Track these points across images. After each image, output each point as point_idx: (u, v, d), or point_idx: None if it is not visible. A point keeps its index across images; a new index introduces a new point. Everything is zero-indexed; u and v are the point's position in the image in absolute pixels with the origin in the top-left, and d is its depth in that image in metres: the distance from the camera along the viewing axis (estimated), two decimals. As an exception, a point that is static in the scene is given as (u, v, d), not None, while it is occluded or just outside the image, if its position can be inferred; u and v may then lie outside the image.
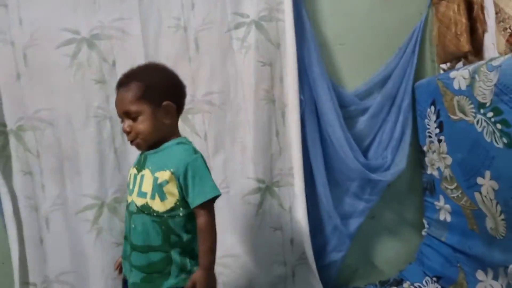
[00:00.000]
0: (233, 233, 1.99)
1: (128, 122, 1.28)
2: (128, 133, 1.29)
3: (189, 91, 1.92)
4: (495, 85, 1.52)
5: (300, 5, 2.02)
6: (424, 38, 2.19)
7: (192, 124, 1.96)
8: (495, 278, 1.71)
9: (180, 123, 1.92)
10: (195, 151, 1.30)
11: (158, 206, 1.25)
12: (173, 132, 1.35)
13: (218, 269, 1.94)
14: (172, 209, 1.26)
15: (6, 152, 1.92)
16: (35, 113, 1.91)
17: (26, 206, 1.93)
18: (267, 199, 2.02)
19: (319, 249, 2.10)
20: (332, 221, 2.09)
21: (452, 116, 1.85)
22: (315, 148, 2.06)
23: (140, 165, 1.33)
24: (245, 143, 1.98)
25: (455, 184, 1.89)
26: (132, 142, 1.31)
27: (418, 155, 2.20)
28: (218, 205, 1.95)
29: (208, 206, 1.27)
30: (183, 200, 1.26)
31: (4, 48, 1.89)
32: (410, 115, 2.15)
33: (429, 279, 2.04)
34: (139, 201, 1.28)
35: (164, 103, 1.29)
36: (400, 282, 2.13)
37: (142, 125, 1.27)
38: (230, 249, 1.99)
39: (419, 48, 2.15)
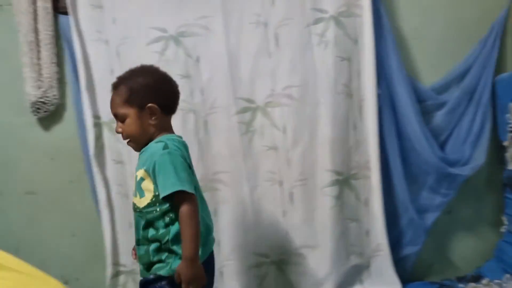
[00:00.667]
0: (310, 224, 2.05)
1: (119, 124, 1.38)
2: (121, 133, 1.38)
3: (268, 85, 2.02)
4: None
5: (378, 0, 2.04)
6: (505, 31, 2.14)
7: (272, 118, 2.02)
8: None
9: (259, 116, 2.02)
10: (166, 147, 1.30)
11: (139, 202, 1.34)
12: (161, 131, 1.38)
13: (295, 259, 2.03)
14: (148, 205, 1.31)
15: (99, 142, 2.07)
16: None
17: (117, 193, 2.08)
18: (345, 191, 2.05)
19: (394, 242, 2.12)
20: (408, 215, 2.11)
21: (537, 111, 1.82)
22: (391, 142, 2.08)
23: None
24: (323, 136, 2.02)
25: (540, 180, 1.85)
26: (127, 142, 1.40)
27: (497, 151, 2.16)
28: (295, 196, 2.05)
29: (185, 197, 1.27)
30: (159, 195, 1.29)
31: (100, 46, 2.04)
32: (489, 109, 2.12)
33: (510, 276, 2.00)
34: (132, 200, 1.40)
35: (148, 105, 1.34)
36: (478, 278, 2.10)
37: (130, 128, 1.35)
38: (308, 240, 2.05)
39: (500, 42, 2.11)
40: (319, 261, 2.04)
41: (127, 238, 2.08)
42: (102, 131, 2.07)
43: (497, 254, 2.14)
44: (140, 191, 1.33)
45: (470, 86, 2.11)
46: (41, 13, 2.05)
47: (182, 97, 1.97)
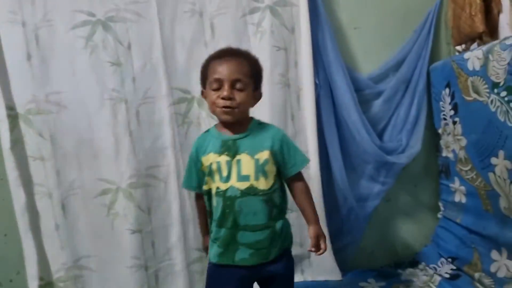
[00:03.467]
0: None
1: (234, 91, 1.34)
2: (230, 99, 1.33)
3: (204, 75, 1.97)
4: (508, 64, 1.53)
5: (314, -11, 2.03)
6: (439, 20, 2.18)
7: (207, 109, 1.97)
8: (510, 257, 1.71)
9: (195, 107, 2.00)
10: (278, 127, 1.46)
11: (264, 185, 1.35)
12: (249, 114, 1.46)
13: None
14: (273, 184, 1.37)
15: (13, 136, 1.88)
16: (47, 96, 1.89)
17: (36, 193, 1.92)
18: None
19: (335, 232, 2.13)
20: (347, 204, 2.12)
21: (466, 97, 1.85)
22: (330, 132, 2.08)
23: (232, 152, 1.36)
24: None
25: (470, 166, 1.90)
26: (228, 108, 1.34)
27: (433, 138, 2.20)
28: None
29: (301, 172, 1.44)
30: (278, 174, 1.39)
31: (14, 28, 1.85)
32: (424, 98, 2.15)
33: (444, 260, 2.05)
34: (242, 185, 1.34)
35: (259, 91, 1.45)
36: (415, 263, 2.14)
37: (245, 99, 1.36)
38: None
39: (434, 31, 2.15)
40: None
41: (49, 244, 1.95)
42: (18, 124, 1.89)
43: (433, 239, 2.18)
44: (264, 173, 1.35)
45: (406, 75, 2.14)
46: None
47: (112, 85, 1.92)
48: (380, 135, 2.17)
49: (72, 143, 1.93)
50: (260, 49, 1.98)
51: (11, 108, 1.88)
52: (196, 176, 1.44)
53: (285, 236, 1.42)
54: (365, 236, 2.19)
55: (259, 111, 1.93)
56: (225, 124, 1.40)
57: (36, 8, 1.88)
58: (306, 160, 1.43)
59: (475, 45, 1.97)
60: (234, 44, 1.90)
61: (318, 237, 1.40)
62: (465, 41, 2.03)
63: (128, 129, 1.94)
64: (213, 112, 1.39)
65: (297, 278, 2.10)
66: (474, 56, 1.76)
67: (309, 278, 2.12)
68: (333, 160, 2.11)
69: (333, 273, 2.09)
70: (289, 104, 2.05)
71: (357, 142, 2.08)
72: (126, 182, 1.95)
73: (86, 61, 1.91)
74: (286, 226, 1.44)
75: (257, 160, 1.34)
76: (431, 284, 1.95)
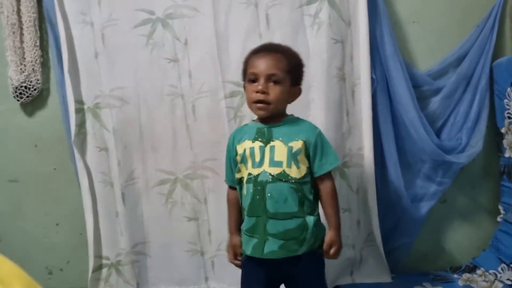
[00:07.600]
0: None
1: (269, 85, 1.35)
2: (264, 93, 1.34)
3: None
4: None
5: (373, -18, 1.96)
6: (504, 14, 2.06)
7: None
8: None
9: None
10: (314, 124, 1.46)
11: (295, 173, 1.34)
12: (285, 110, 1.46)
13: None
14: (305, 176, 1.36)
15: (83, 128, 1.99)
16: (111, 91, 1.96)
17: (100, 182, 2.00)
18: (337, 179, 1.95)
19: (388, 232, 2.06)
20: (402, 203, 2.03)
21: (535, 95, 1.76)
22: (386, 128, 2.01)
23: (266, 138, 1.38)
24: (316, 121, 1.90)
25: (537, 167, 1.80)
26: (262, 103, 1.35)
27: (495, 138, 2.10)
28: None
29: (331, 173, 1.41)
30: (310, 167, 1.38)
31: (84, 29, 1.95)
32: (487, 95, 2.05)
33: (506, 266, 1.95)
34: (274, 170, 1.34)
35: (298, 87, 1.44)
36: (473, 268, 2.05)
37: (280, 94, 1.35)
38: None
39: (498, 25, 2.04)
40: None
41: (110, 230, 2.02)
42: (86, 117, 1.99)
43: (493, 243, 2.08)
44: (296, 162, 1.35)
45: (467, 71, 2.04)
46: (24, -6, 1.98)
47: (170, 81, 1.97)
48: (438, 133, 2.08)
49: (133, 135, 1.99)
50: (317, 41, 1.93)
51: (81, 102, 1.97)
52: (234, 170, 1.47)
53: (316, 236, 1.37)
54: (419, 238, 2.10)
55: (315, 105, 1.94)
56: (260, 119, 1.43)
57: (102, 9, 1.94)
58: (336, 161, 1.41)
59: (545, 39, 1.86)
60: (290, 36, 1.93)
61: (331, 244, 1.38)
62: (534, 35, 1.93)
63: (185, 123, 1.98)
64: (250, 107, 1.41)
65: (346, 280, 2.05)
66: (546, 51, 1.66)
67: (358, 280, 2.05)
68: (388, 157, 2.03)
69: (383, 276, 2.03)
70: (344, 99, 1.98)
71: (414, 139, 2.00)
72: (183, 173, 2.00)
73: (147, 58, 1.96)
74: (319, 225, 1.40)
75: (290, 147, 1.35)
76: (491, 291, 1.86)
